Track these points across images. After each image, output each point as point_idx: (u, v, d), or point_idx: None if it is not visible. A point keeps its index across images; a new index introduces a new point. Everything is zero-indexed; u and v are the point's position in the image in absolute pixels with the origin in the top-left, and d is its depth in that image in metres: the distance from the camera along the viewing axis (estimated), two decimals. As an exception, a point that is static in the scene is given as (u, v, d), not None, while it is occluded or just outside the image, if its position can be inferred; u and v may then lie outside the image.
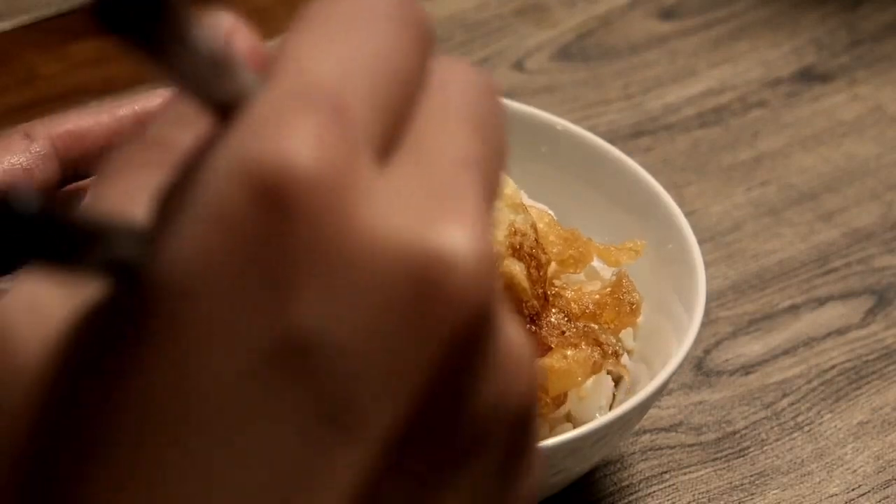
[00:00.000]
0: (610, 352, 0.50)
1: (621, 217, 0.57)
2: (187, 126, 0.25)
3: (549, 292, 0.51)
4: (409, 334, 0.22)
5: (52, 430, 0.23)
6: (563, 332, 0.50)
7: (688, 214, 0.57)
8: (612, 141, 0.60)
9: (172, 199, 0.23)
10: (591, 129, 0.62)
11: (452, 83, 0.25)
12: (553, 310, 0.51)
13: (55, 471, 0.23)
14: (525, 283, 0.50)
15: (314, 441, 0.22)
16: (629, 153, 0.59)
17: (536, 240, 0.51)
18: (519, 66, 0.76)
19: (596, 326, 0.51)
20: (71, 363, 0.23)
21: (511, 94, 0.69)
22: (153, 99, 0.53)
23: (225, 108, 0.23)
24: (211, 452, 0.22)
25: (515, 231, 0.50)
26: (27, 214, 0.21)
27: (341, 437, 0.22)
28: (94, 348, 0.23)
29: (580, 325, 0.51)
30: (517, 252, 0.50)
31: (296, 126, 0.22)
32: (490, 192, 0.24)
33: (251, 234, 0.22)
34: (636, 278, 0.55)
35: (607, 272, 0.55)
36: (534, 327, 0.50)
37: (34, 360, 0.23)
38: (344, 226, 0.22)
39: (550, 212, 0.57)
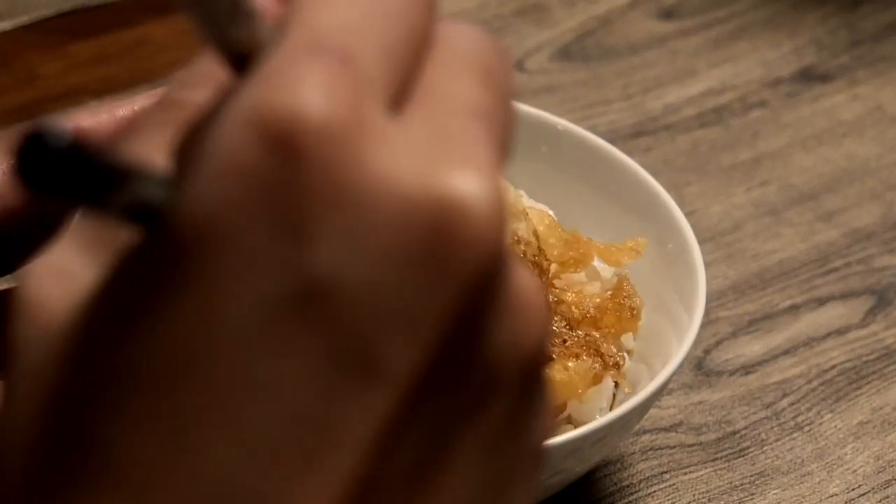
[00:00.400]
0: (611, 363, 0.50)
1: (621, 217, 0.57)
2: (205, 86, 0.26)
3: (551, 299, 0.51)
4: (425, 278, 0.23)
5: (80, 380, 0.23)
6: (565, 341, 0.50)
7: (688, 214, 0.57)
8: (612, 141, 0.60)
9: (191, 148, 0.23)
10: (591, 129, 0.62)
11: (460, 39, 0.25)
12: (555, 318, 0.51)
13: (83, 418, 0.23)
14: None
15: (334, 385, 0.22)
16: (629, 153, 0.59)
17: (539, 247, 0.51)
18: (519, 66, 0.76)
19: (597, 335, 0.51)
20: (98, 315, 0.23)
21: (511, 94, 0.69)
22: (152, 99, 0.53)
23: (241, 59, 0.24)
24: (232, 394, 0.22)
25: (518, 239, 0.50)
26: (58, 150, 0.21)
27: (360, 382, 0.23)
28: (119, 296, 0.23)
29: (581, 333, 0.51)
30: (520, 260, 0.50)
31: (305, 75, 0.23)
32: (501, 141, 0.25)
33: (265, 181, 0.22)
34: (636, 278, 0.55)
35: (608, 272, 0.55)
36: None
37: (62, 322, 0.23)
38: (356, 171, 0.22)
39: (551, 212, 0.57)
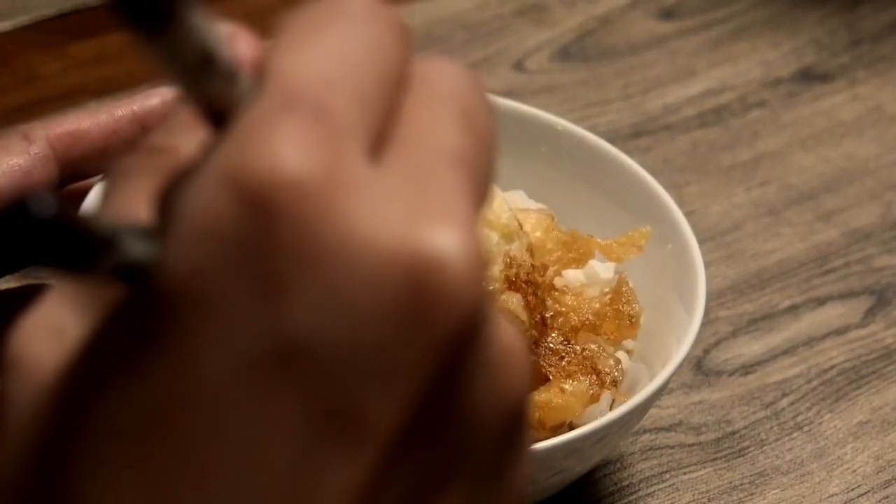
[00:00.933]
0: (608, 381, 0.50)
1: (621, 217, 0.57)
2: (188, 133, 0.26)
3: (546, 314, 0.51)
4: (404, 335, 0.23)
5: (62, 434, 0.23)
6: (562, 358, 0.50)
7: (687, 214, 0.57)
8: (612, 141, 0.60)
9: (171, 205, 0.23)
10: (591, 129, 0.62)
11: (438, 78, 0.25)
12: (552, 333, 0.51)
13: (64, 472, 0.23)
14: (523, 316, 0.50)
15: (314, 443, 0.22)
16: (629, 153, 0.59)
17: (533, 264, 0.51)
18: (519, 66, 0.76)
19: (595, 347, 0.51)
20: (81, 371, 0.23)
21: (511, 94, 0.69)
22: (152, 99, 0.53)
23: (219, 115, 0.24)
24: (210, 452, 0.22)
25: (510, 262, 0.50)
26: (43, 219, 0.21)
27: (340, 439, 0.23)
28: (102, 353, 0.23)
29: (578, 348, 0.51)
30: (513, 284, 0.50)
31: (279, 132, 0.23)
32: (480, 188, 0.24)
33: (241, 240, 0.22)
34: (636, 278, 0.55)
35: (608, 272, 0.55)
36: (532, 356, 0.50)
37: (51, 378, 0.23)
38: (333, 227, 0.22)
39: (550, 211, 0.57)
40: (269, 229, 0.22)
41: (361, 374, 0.22)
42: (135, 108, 0.52)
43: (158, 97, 0.53)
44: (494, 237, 0.50)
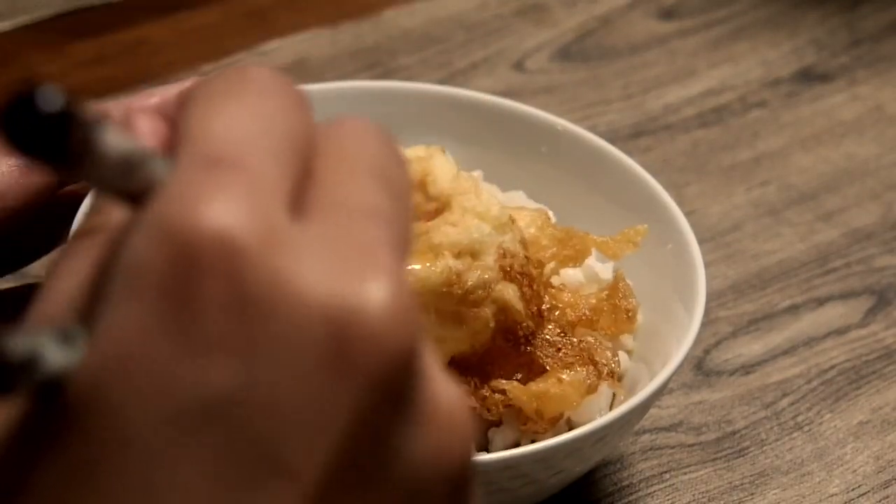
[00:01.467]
0: (605, 372, 0.50)
1: (621, 217, 0.57)
2: (111, 210, 0.26)
3: (543, 307, 0.51)
4: (328, 385, 0.23)
5: None
6: (559, 350, 0.50)
7: (687, 214, 0.57)
8: (612, 141, 0.60)
9: (95, 289, 0.23)
10: (591, 129, 0.62)
11: (347, 140, 0.26)
12: (548, 325, 0.51)
13: None
14: (519, 305, 0.50)
15: (241, 490, 0.23)
16: (629, 153, 0.59)
17: (527, 256, 0.51)
18: (519, 66, 0.76)
19: (592, 339, 0.51)
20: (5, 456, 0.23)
21: (511, 95, 0.69)
22: (150, 99, 0.53)
23: (139, 196, 0.24)
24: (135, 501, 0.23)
25: (504, 253, 0.50)
26: (50, 113, 0.22)
27: (268, 486, 0.23)
28: (10, 456, 0.23)
29: (575, 340, 0.51)
30: (508, 274, 0.50)
31: (203, 186, 0.23)
32: (401, 240, 0.25)
33: (166, 297, 0.23)
34: (635, 278, 0.55)
35: (607, 272, 0.55)
36: (529, 347, 0.50)
37: None
38: (260, 281, 0.23)
39: (550, 212, 0.57)
40: (194, 284, 0.23)
41: (287, 424, 0.23)
42: (134, 108, 0.52)
43: (157, 97, 0.53)
44: (486, 228, 0.50)
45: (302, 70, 0.74)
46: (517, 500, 0.50)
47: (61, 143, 0.22)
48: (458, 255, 0.49)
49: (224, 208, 0.23)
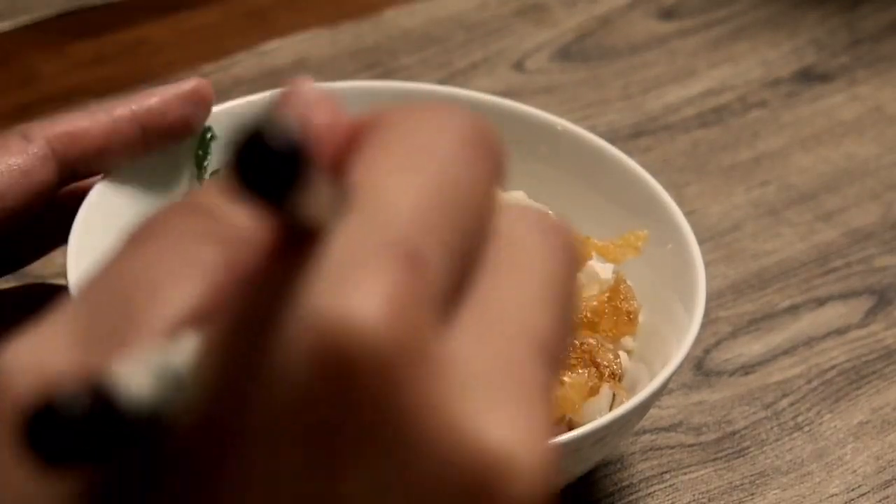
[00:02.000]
0: (607, 374, 0.50)
1: (621, 217, 0.57)
2: (224, 202, 0.24)
3: None
4: None
5: None
6: None
7: (687, 214, 0.57)
8: (612, 141, 0.60)
9: (238, 359, 0.22)
10: (591, 129, 0.62)
11: (527, 233, 0.24)
12: None
13: None
14: None
15: None
16: (629, 153, 0.59)
17: None
18: (519, 66, 0.76)
19: (593, 342, 0.51)
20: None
21: (511, 94, 0.69)
22: (151, 99, 0.53)
23: (300, 227, 0.22)
24: None
25: None
26: (73, 419, 0.20)
27: None
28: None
29: (577, 342, 0.51)
30: None
31: (369, 284, 0.21)
32: (555, 374, 0.24)
33: (311, 408, 0.21)
34: (635, 278, 0.55)
35: (607, 273, 0.55)
36: None
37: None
38: (402, 406, 0.22)
39: (550, 212, 0.57)
40: (342, 400, 0.21)
41: None
42: (134, 107, 0.52)
43: (157, 97, 0.53)
44: None
45: (302, 70, 0.74)
46: (517, 501, 0.50)
47: (291, 183, 0.20)
48: None
49: (388, 316, 0.21)
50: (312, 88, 0.25)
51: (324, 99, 0.25)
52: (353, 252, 0.22)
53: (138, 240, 0.24)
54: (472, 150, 0.24)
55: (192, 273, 0.23)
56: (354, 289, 0.21)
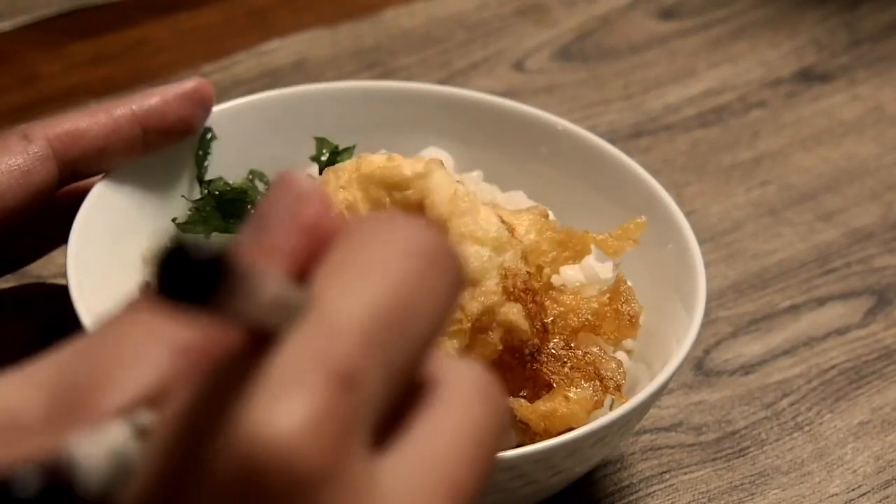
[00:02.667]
0: (612, 386, 0.50)
1: (621, 216, 0.57)
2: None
3: (546, 320, 0.51)
4: None
5: None
6: (564, 364, 0.50)
7: (688, 214, 0.57)
8: (612, 141, 0.60)
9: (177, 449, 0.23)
10: (591, 129, 0.62)
11: (470, 394, 0.25)
12: (553, 339, 0.51)
13: None
14: (525, 325, 0.49)
15: None
16: (629, 153, 0.59)
17: (529, 272, 0.51)
18: (519, 66, 0.76)
19: (597, 350, 0.51)
20: None
21: (511, 94, 0.69)
22: (151, 98, 0.53)
23: (258, 330, 0.24)
24: None
25: (506, 273, 0.50)
26: (29, 497, 0.22)
27: None
28: None
29: (580, 353, 0.51)
30: (511, 294, 0.49)
31: (299, 403, 0.23)
32: None
33: None
34: (635, 278, 0.55)
35: (607, 271, 0.55)
36: (535, 364, 0.50)
37: None
38: None
39: (550, 212, 0.57)
40: None
41: None
42: (134, 107, 0.52)
43: (158, 97, 0.53)
44: (485, 253, 0.50)
45: (302, 70, 0.74)
46: (518, 501, 0.50)
47: (211, 292, 0.22)
48: None
49: (304, 436, 0.22)
50: (305, 180, 0.26)
51: (314, 192, 0.26)
52: (291, 368, 0.23)
53: (104, 330, 0.26)
54: (430, 268, 0.25)
55: (146, 363, 0.25)
56: (284, 407, 0.23)
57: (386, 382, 0.24)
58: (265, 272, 0.23)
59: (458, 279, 0.26)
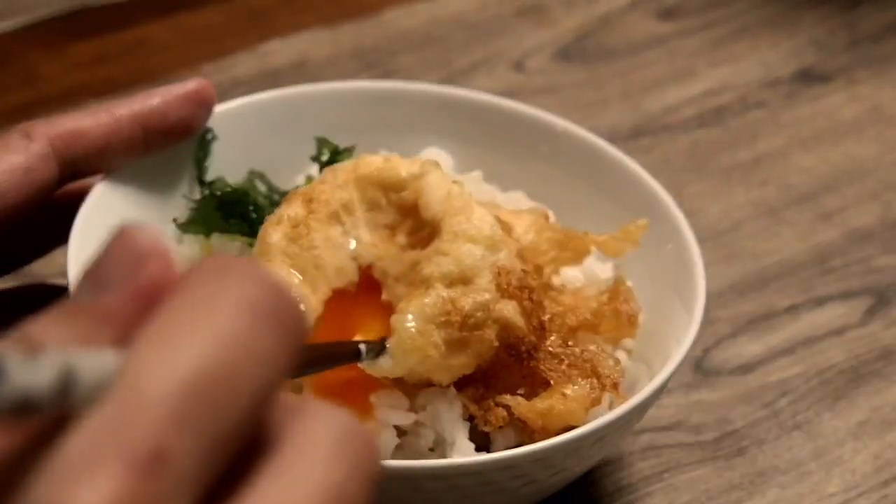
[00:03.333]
0: (609, 384, 0.50)
1: (621, 216, 0.57)
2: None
3: (544, 318, 0.51)
4: None
5: None
6: (562, 362, 0.50)
7: (687, 214, 0.57)
8: (611, 141, 0.60)
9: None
10: (591, 129, 0.62)
11: (320, 441, 0.23)
12: (551, 336, 0.51)
13: None
14: (520, 321, 0.49)
15: None
16: (629, 153, 0.59)
17: (524, 270, 0.51)
18: (519, 66, 0.76)
19: (594, 348, 0.51)
20: None
21: (511, 95, 0.69)
22: (152, 99, 0.53)
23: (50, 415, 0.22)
24: None
25: (500, 271, 0.50)
26: None
27: None
28: None
29: (578, 350, 0.51)
30: (506, 292, 0.50)
31: (92, 489, 0.21)
32: None
33: None
34: (635, 277, 0.55)
35: (607, 271, 0.55)
36: (532, 362, 0.50)
37: None
38: None
39: (550, 211, 0.57)
40: None
41: None
42: (135, 107, 0.52)
43: (159, 97, 0.53)
44: (478, 251, 0.50)
45: (302, 70, 0.74)
46: (517, 500, 0.50)
47: None
48: (450, 284, 0.49)
49: None
50: (145, 236, 0.25)
51: (154, 249, 0.24)
52: (88, 452, 0.21)
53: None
54: (261, 323, 0.23)
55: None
56: (76, 496, 0.21)
57: (206, 455, 0.22)
58: (33, 356, 0.22)
59: (297, 331, 0.24)
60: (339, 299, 0.50)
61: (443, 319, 0.48)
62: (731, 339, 0.62)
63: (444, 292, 0.49)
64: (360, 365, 0.48)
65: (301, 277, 0.50)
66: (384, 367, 0.48)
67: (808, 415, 0.59)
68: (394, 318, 0.49)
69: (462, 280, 0.49)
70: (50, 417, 0.22)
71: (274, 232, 0.50)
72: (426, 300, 0.48)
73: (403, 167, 0.52)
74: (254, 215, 0.54)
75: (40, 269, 0.61)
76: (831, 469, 0.57)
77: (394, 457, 0.48)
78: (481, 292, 0.49)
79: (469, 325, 0.49)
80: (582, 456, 0.50)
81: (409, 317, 0.48)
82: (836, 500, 0.56)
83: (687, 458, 0.57)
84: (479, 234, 0.50)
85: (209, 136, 0.57)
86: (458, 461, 0.47)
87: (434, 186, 0.51)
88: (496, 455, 0.47)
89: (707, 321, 0.62)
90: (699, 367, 0.61)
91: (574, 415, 0.49)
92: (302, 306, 0.24)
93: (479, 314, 0.49)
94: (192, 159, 0.57)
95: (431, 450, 0.49)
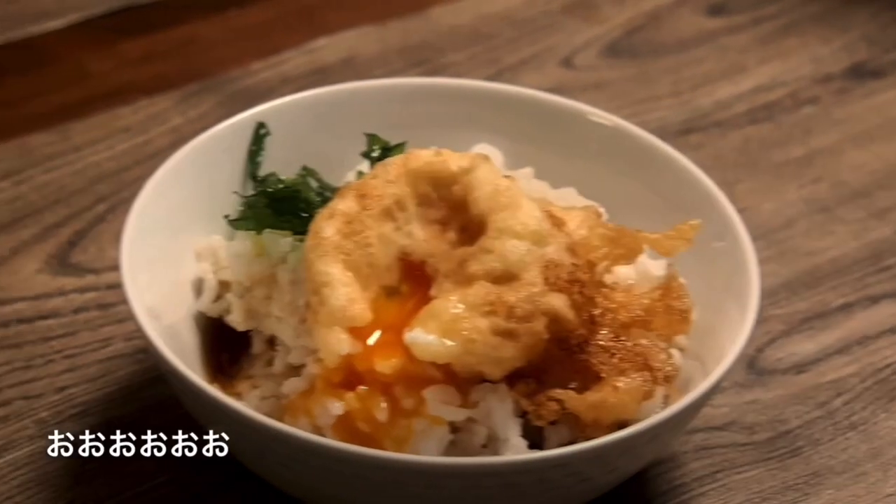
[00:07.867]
0: (661, 377, 0.50)
1: (672, 214, 0.57)
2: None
3: (595, 312, 0.51)
4: None
5: None
6: (613, 355, 0.50)
7: (739, 211, 0.56)
8: (661, 138, 0.60)
9: None
10: (641, 125, 0.61)
11: None
12: (602, 330, 0.51)
13: None
14: (569, 314, 0.49)
15: None
16: (679, 150, 0.59)
17: (575, 263, 0.50)
18: (567, 62, 0.76)
19: (646, 342, 0.51)
20: None
21: (560, 91, 0.68)
22: None
23: None
24: None
25: (548, 265, 0.50)
26: None
27: None
28: None
29: (630, 344, 0.50)
30: (555, 285, 0.49)
31: None
32: None
33: None
34: (688, 275, 0.54)
35: (659, 269, 0.55)
36: (583, 355, 0.50)
37: None
38: None
39: (602, 209, 0.56)
40: None
41: None
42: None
43: None
44: (523, 247, 0.50)
45: (350, 67, 0.74)
46: (571, 498, 0.50)
47: None
48: (495, 281, 0.49)
49: None
50: None
51: None
52: None
53: None
54: None
55: None
56: None
57: None
58: None
59: None
60: (387, 295, 0.50)
61: (487, 309, 0.48)
62: (785, 338, 0.62)
63: (488, 286, 0.49)
64: (405, 342, 0.48)
65: (353, 275, 0.50)
66: (430, 344, 0.48)
67: (863, 415, 0.59)
68: (436, 301, 0.48)
69: (507, 277, 0.49)
70: None
71: (327, 226, 0.50)
72: (469, 290, 0.48)
73: (453, 161, 0.52)
74: (304, 213, 0.54)
75: (91, 263, 0.62)
76: (888, 470, 0.56)
77: (447, 454, 0.48)
78: (527, 286, 0.49)
79: (517, 316, 0.48)
80: (636, 454, 0.49)
81: (453, 299, 0.48)
82: (893, 500, 0.55)
83: (741, 459, 0.57)
84: (525, 229, 0.50)
85: (262, 131, 0.57)
86: (515, 458, 0.46)
87: (483, 181, 0.51)
88: (551, 452, 0.47)
89: (760, 319, 0.61)
90: (752, 366, 0.60)
91: (626, 408, 0.49)
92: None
93: (526, 306, 0.49)
94: (244, 155, 0.57)
95: (484, 446, 0.49)
